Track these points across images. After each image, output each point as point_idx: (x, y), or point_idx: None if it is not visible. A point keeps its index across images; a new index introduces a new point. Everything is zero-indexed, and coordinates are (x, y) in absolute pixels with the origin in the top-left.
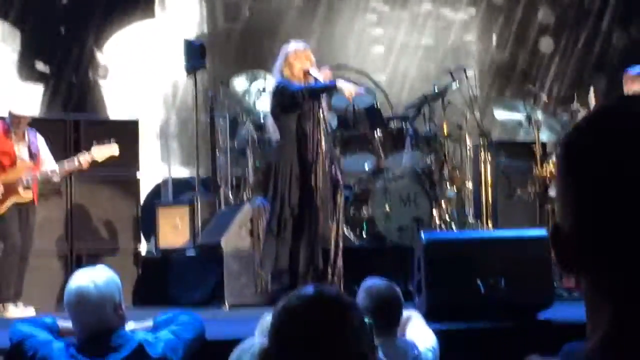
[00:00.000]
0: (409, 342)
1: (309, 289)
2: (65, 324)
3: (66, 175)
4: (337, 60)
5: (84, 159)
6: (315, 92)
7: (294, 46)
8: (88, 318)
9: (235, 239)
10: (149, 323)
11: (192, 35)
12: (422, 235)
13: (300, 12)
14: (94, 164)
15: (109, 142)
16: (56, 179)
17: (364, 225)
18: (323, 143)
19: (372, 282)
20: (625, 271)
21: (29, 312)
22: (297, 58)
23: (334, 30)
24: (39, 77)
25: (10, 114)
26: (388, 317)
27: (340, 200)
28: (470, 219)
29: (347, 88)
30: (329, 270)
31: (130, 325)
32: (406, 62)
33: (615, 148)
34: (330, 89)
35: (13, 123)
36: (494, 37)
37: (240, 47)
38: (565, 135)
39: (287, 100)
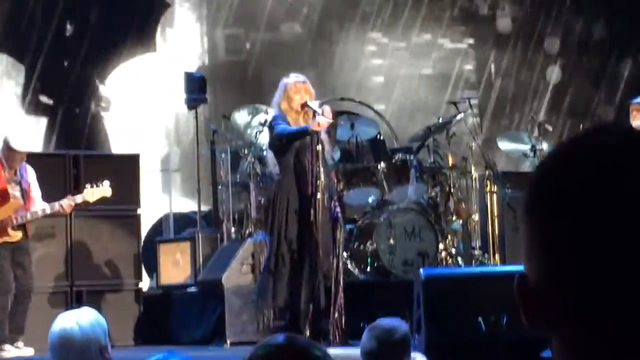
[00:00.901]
0: None
1: (279, 338)
2: None
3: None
4: (337, 91)
5: (67, 203)
6: (293, 137)
7: (293, 79)
8: None
9: (236, 275)
10: None
11: (193, 68)
12: (421, 271)
13: (301, 44)
14: (86, 204)
15: (101, 184)
16: (39, 216)
17: (368, 259)
18: (322, 177)
19: (378, 322)
20: (600, 333)
21: (29, 352)
22: (297, 91)
23: (334, 61)
24: (42, 110)
25: (6, 148)
26: (391, 358)
27: (340, 235)
28: (477, 252)
29: (324, 122)
30: (330, 307)
31: None
32: (405, 92)
33: (591, 183)
34: (306, 134)
35: (8, 158)
36: (492, 67)
37: (241, 79)
38: (533, 172)
39: (273, 139)
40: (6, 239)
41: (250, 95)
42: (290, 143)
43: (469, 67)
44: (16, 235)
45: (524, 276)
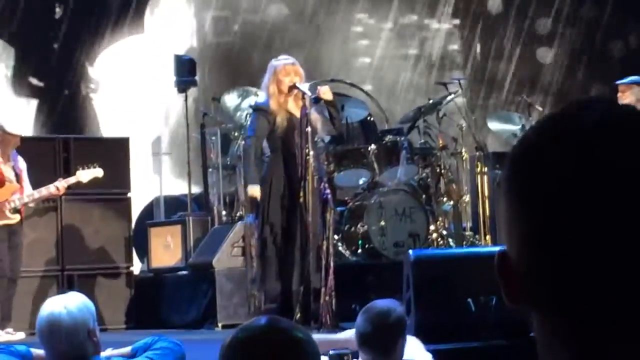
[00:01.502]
0: None
1: (261, 320)
2: (39, 352)
3: (39, 201)
4: (324, 72)
5: (61, 185)
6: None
7: (282, 61)
8: (61, 345)
9: (227, 258)
10: (127, 349)
11: (181, 50)
12: (411, 252)
13: (287, 25)
14: (78, 184)
15: (93, 167)
16: (30, 204)
17: (359, 241)
18: (311, 160)
19: (372, 304)
20: (584, 311)
21: (19, 337)
22: (286, 74)
23: (320, 43)
24: (32, 92)
25: (0, 132)
26: (386, 341)
27: (330, 217)
28: (468, 233)
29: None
30: (321, 289)
31: (107, 352)
32: (391, 73)
33: (569, 161)
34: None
35: (3, 142)
36: (478, 48)
37: (229, 61)
38: (512, 148)
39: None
40: (5, 221)
41: (239, 77)
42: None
43: (454, 47)
44: (14, 218)
45: (504, 254)
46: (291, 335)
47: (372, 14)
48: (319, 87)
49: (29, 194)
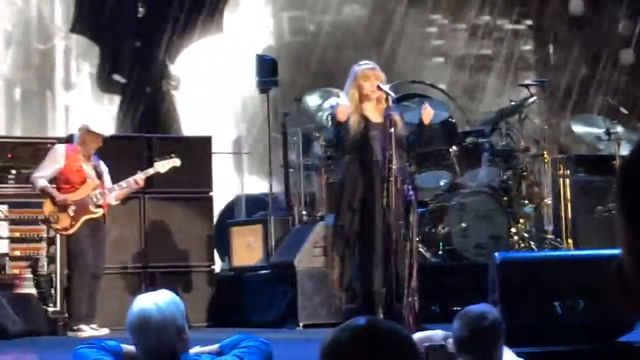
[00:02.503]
0: None
1: (360, 320)
2: (129, 348)
3: (123, 197)
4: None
5: (140, 177)
6: (339, 139)
7: (362, 66)
8: (151, 342)
9: (308, 257)
10: (214, 347)
11: (259, 49)
12: (497, 255)
13: (362, 26)
14: (158, 175)
15: (169, 157)
16: (113, 201)
17: (440, 242)
18: (394, 160)
19: (467, 309)
20: None
21: (103, 333)
22: (366, 78)
23: (395, 43)
24: (116, 88)
25: (85, 132)
26: (484, 345)
27: (414, 219)
28: (549, 236)
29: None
30: (404, 291)
31: (195, 349)
32: (466, 73)
33: None
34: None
35: (85, 141)
36: (551, 48)
37: (306, 61)
38: (625, 158)
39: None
40: (88, 216)
41: (314, 76)
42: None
43: (527, 47)
44: (98, 211)
45: (620, 261)
46: (392, 335)
47: (447, 14)
48: (425, 107)
49: (109, 187)
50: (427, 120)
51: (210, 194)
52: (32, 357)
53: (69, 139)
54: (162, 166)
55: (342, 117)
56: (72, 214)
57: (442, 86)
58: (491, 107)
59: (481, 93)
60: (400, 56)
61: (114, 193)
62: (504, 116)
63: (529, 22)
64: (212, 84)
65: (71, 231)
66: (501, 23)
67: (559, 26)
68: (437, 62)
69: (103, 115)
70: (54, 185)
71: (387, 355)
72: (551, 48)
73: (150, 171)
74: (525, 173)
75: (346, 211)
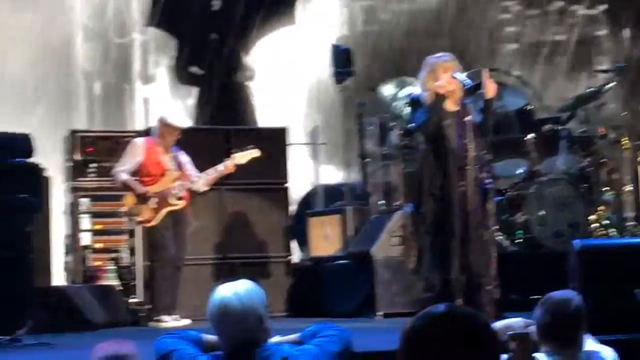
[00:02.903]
0: (592, 353)
1: (439, 308)
2: (211, 337)
3: (213, 182)
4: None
5: (229, 163)
6: (427, 124)
7: (439, 58)
8: (232, 331)
9: (386, 247)
10: (295, 336)
11: (332, 39)
12: (576, 242)
13: (435, 14)
14: (238, 166)
15: (248, 148)
16: (202, 187)
17: (518, 231)
18: (470, 148)
19: (550, 295)
20: None
21: (185, 323)
22: (443, 70)
23: (468, 30)
24: (192, 80)
25: (162, 125)
26: (567, 331)
27: (491, 207)
28: (630, 224)
29: (445, 83)
30: (483, 279)
31: (275, 339)
32: (538, 58)
33: None
34: (439, 102)
35: (164, 134)
36: (628, 32)
37: (379, 49)
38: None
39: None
40: (170, 208)
41: (389, 65)
42: (430, 129)
43: (602, 33)
44: (179, 203)
45: None
46: (471, 322)
47: (520, 0)
48: (485, 77)
49: (197, 175)
50: (490, 93)
51: (286, 185)
52: (128, 344)
53: (147, 132)
54: (242, 157)
55: (441, 91)
56: (153, 206)
57: (516, 73)
58: (566, 93)
59: (555, 79)
60: (473, 43)
61: (202, 179)
62: (581, 102)
63: (603, 7)
64: (287, 75)
65: (153, 223)
66: (575, 8)
67: (634, 9)
68: (510, 48)
69: (181, 107)
70: (136, 178)
71: (465, 341)
72: (627, 32)
73: (230, 162)
74: (604, 160)
75: (427, 198)
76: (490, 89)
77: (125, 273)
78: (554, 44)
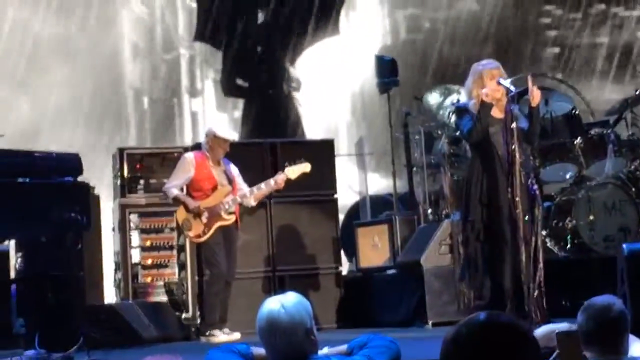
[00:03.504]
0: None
1: (480, 316)
2: (260, 351)
3: (262, 198)
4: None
5: (280, 178)
6: (475, 130)
7: (486, 65)
8: (280, 344)
9: (435, 256)
10: (343, 347)
11: (376, 49)
12: (624, 246)
13: (477, 21)
14: (288, 182)
15: (300, 161)
16: (252, 202)
17: (568, 236)
18: (517, 154)
19: (592, 301)
20: None
21: (235, 337)
22: (490, 78)
23: (509, 36)
24: (239, 92)
25: (212, 137)
26: (610, 337)
27: (539, 213)
28: None
29: (491, 91)
30: (531, 286)
31: (324, 351)
32: (581, 62)
33: None
34: (486, 109)
35: (213, 147)
36: None
37: (422, 57)
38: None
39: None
40: (221, 222)
41: (433, 73)
42: (476, 137)
43: None
44: (229, 219)
45: None
46: (512, 330)
47: (560, 4)
48: (532, 86)
49: (242, 194)
50: (535, 100)
51: (335, 196)
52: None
53: (196, 147)
54: (293, 172)
55: (487, 98)
56: (204, 220)
57: (559, 76)
58: (610, 96)
59: (598, 82)
60: (515, 49)
61: (252, 194)
62: (628, 105)
63: None
64: (332, 85)
65: (204, 238)
66: (616, 10)
67: None
68: (551, 52)
69: (228, 120)
70: (187, 193)
71: (504, 350)
72: None
73: (282, 176)
74: None
75: (476, 206)
76: (535, 95)
77: (175, 288)
78: (596, 46)
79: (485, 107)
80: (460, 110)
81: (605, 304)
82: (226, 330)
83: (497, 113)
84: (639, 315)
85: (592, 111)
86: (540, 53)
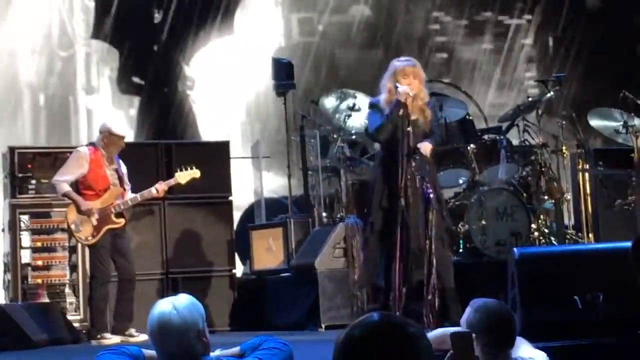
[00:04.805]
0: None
1: (373, 317)
2: (151, 353)
3: (141, 203)
4: None
5: (161, 187)
6: (383, 128)
7: (403, 63)
8: (171, 346)
9: (329, 259)
10: (236, 349)
11: (270, 50)
12: (515, 250)
13: (369, 26)
14: (179, 186)
15: (191, 168)
16: (129, 204)
17: (460, 240)
18: (416, 158)
19: (484, 301)
20: None
21: (142, 338)
22: (405, 75)
23: (400, 41)
24: (135, 90)
25: (107, 134)
26: (503, 336)
27: (432, 217)
28: (570, 231)
29: (404, 92)
30: (424, 288)
31: (216, 353)
32: (468, 68)
33: None
34: (393, 115)
35: (109, 145)
36: (550, 41)
37: (315, 60)
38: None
39: (369, 135)
40: (111, 225)
41: (327, 75)
42: (385, 135)
43: (528, 41)
44: (119, 222)
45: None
46: (405, 331)
47: (448, 11)
48: (421, 145)
49: (131, 197)
50: (425, 152)
51: (230, 198)
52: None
53: (90, 145)
54: (183, 177)
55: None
56: (95, 223)
57: (446, 81)
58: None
59: (486, 88)
60: (405, 54)
61: (135, 202)
62: (521, 112)
63: (528, 17)
64: (226, 86)
65: (93, 241)
66: (502, 18)
67: (570, 20)
68: (440, 57)
69: (124, 118)
70: (78, 191)
71: (397, 350)
72: (550, 41)
73: (171, 182)
74: (544, 169)
75: (377, 209)
76: (424, 148)
77: (66, 290)
78: (484, 52)
79: (397, 105)
80: (372, 106)
81: (490, 300)
82: (132, 331)
83: (409, 112)
84: (528, 318)
85: (485, 116)
86: (430, 58)
